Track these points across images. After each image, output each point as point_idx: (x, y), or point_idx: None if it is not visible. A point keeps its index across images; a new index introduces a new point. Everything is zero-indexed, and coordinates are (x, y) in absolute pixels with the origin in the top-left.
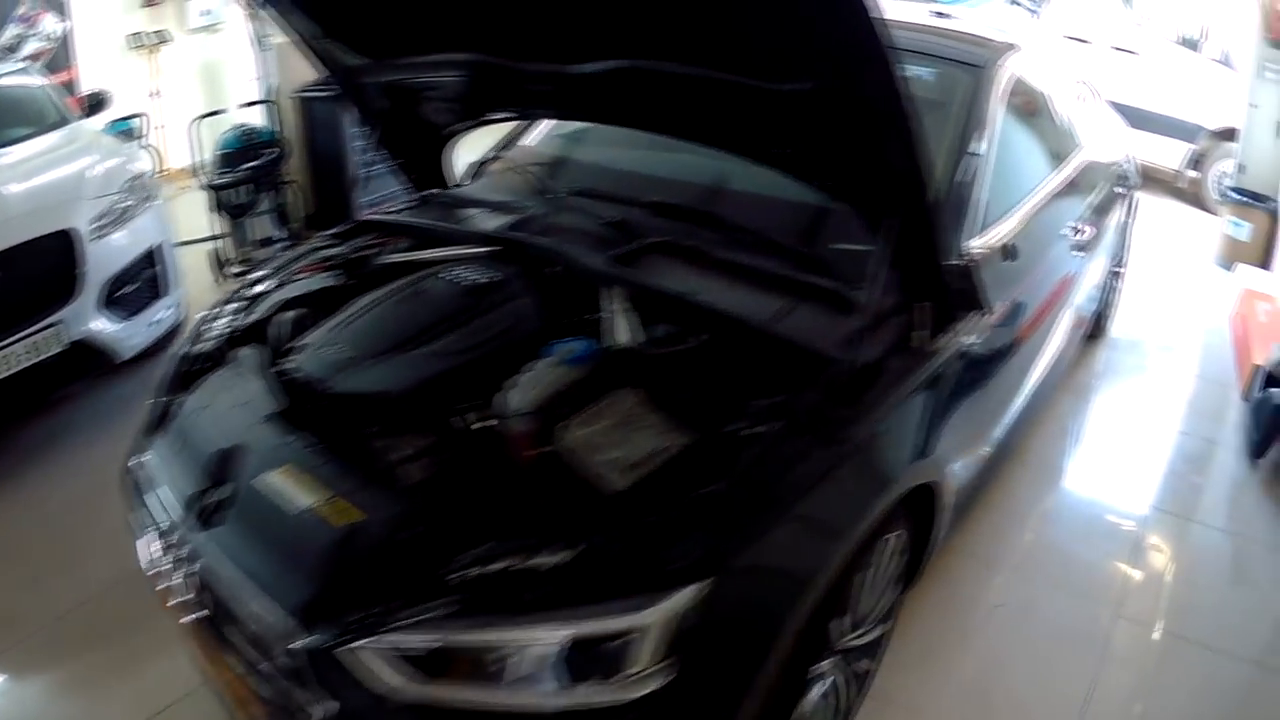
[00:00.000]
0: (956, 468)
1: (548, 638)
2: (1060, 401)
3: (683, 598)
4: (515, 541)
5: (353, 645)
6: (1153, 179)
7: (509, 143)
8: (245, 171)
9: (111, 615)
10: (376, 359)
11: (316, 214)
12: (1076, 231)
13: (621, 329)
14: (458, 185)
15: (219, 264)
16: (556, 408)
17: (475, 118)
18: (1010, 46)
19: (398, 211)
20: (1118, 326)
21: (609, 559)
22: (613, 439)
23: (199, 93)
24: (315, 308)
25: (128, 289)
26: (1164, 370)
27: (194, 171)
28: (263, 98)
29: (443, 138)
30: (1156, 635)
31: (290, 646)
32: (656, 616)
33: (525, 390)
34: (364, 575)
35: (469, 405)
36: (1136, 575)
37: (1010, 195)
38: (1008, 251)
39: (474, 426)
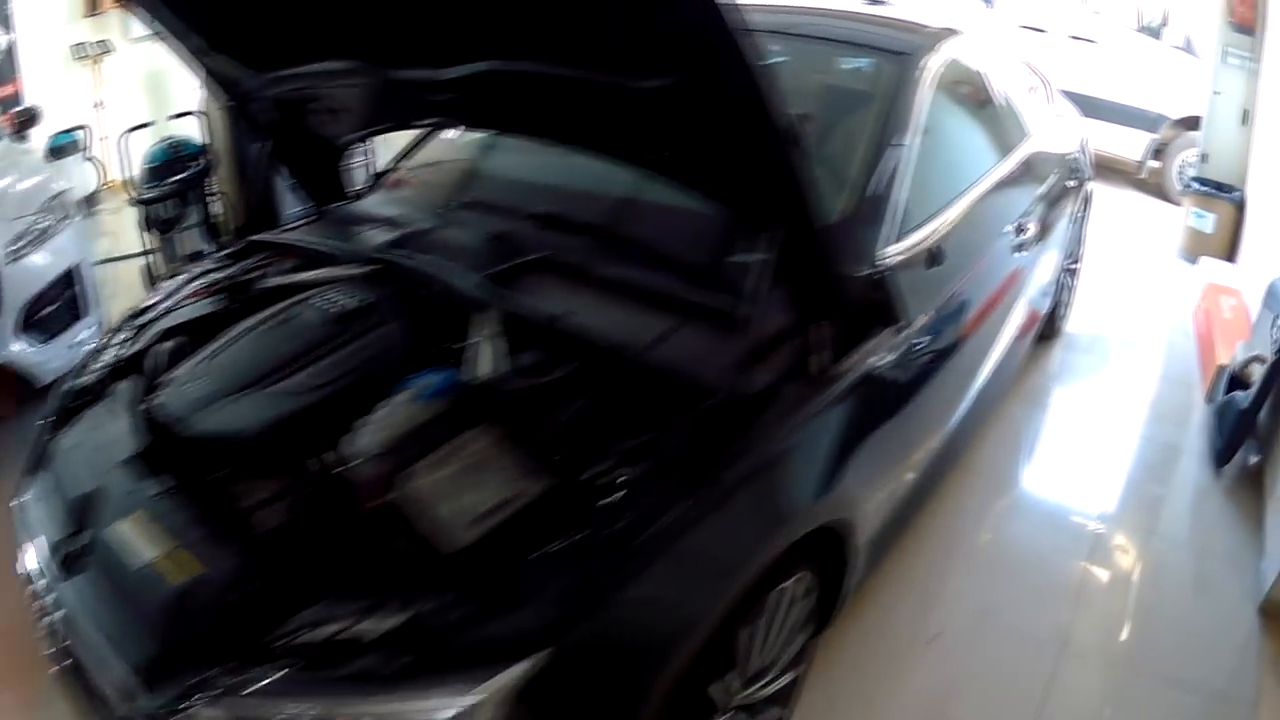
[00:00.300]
0: (874, 500)
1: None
2: (1011, 408)
3: (515, 674)
4: (349, 604)
5: (189, 710)
6: (1114, 170)
7: (408, 151)
8: (172, 185)
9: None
10: (236, 395)
11: (246, 226)
12: (1020, 230)
13: (484, 359)
14: (355, 198)
15: (151, 280)
16: (407, 450)
17: (361, 129)
18: (946, 34)
19: (291, 228)
20: (1075, 325)
21: (438, 628)
22: (459, 486)
23: (143, 103)
24: (194, 336)
25: (47, 311)
26: (1124, 371)
27: (125, 186)
28: (195, 108)
29: (337, 149)
30: (1108, 670)
31: (132, 707)
32: (484, 697)
33: (374, 431)
34: (202, 635)
35: (323, 447)
36: (1089, 601)
37: (941, 193)
38: (934, 255)
39: (323, 471)
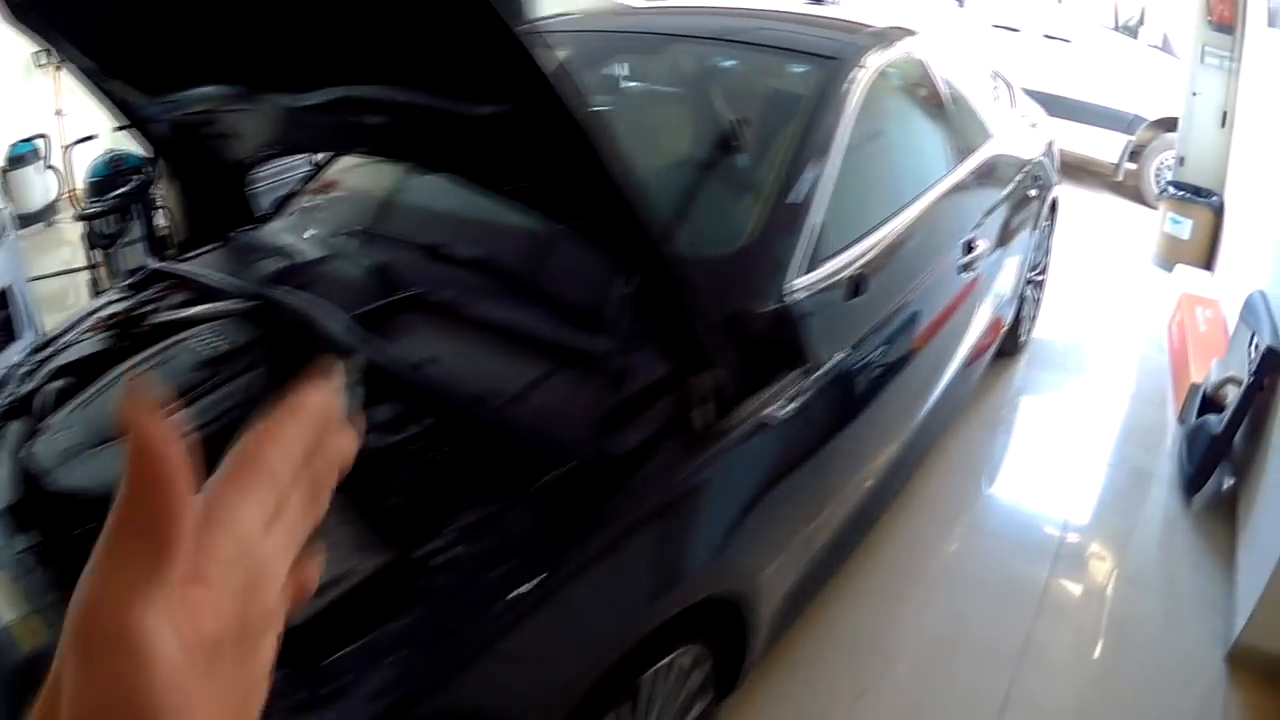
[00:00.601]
0: (780, 562)
1: None
2: (965, 433)
3: None
4: None
5: None
6: (1090, 173)
7: (314, 174)
8: (113, 200)
9: None
10: (101, 447)
11: (189, 241)
12: (969, 248)
13: None
14: (262, 222)
15: (97, 295)
16: None
17: (255, 152)
18: (891, 35)
19: (194, 256)
20: (1041, 338)
21: None
22: None
23: (104, 112)
24: (80, 376)
25: None
26: (1091, 388)
27: (70, 200)
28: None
29: (239, 172)
30: None
31: None
32: None
33: None
34: None
35: None
36: (1041, 654)
37: (871, 212)
38: (857, 284)
39: None
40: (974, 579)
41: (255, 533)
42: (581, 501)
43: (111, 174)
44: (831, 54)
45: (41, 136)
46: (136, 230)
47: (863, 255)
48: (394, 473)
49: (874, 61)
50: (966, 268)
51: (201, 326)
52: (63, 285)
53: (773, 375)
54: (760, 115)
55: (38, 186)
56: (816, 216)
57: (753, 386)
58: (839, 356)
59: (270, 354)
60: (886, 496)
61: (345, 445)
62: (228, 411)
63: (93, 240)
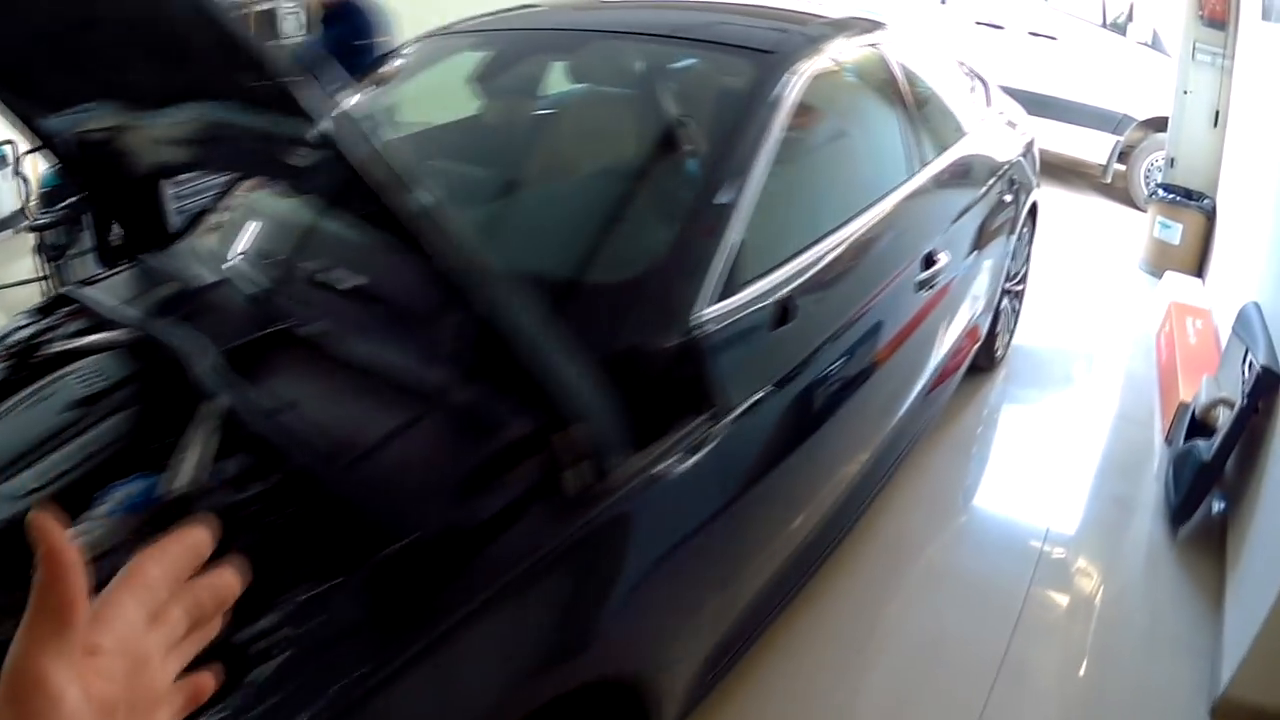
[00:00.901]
0: (689, 632)
1: None
2: (931, 459)
3: None
4: None
5: None
6: (1077, 174)
7: (226, 190)
8: (61, 211)
9: None
10: None
11: (106, 261)
12: (929, 262)
13: (187, 464)
14: (174, 239)
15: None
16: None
17: (146, 171)
18: (845, 26)
19: (101, 279)
20: (1021, 350)
21: None
22: None
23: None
24: None
25: None
26: (1073, 407)
27: (25, 210)
28: None
29: (146, 189)
30: None
31: None
32: None
33: None
34: None
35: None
36: (1012, 702)
37: (806, 227)
38: (785, 311)
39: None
40: (935, 622)
41: (137, 626)
42: (422, 579)
43: (62, 184)
44: (769, 48)
45: (8, 142)
46: (87, 241)
47: (795, 276)
48: (233, 537)
49: (820, 56)
50: (926, 284)
51: (86, 360)
52: (30, 293)
53: (673, 422)
54: (677, 119)
55: (5, 193)
56: (735, 234)
57: (648, 436)
58: (758, 395)
59: (141, 395)
60: (828, 543)
61: (227, 580)
62: (87, 460)
63: (43, 251)
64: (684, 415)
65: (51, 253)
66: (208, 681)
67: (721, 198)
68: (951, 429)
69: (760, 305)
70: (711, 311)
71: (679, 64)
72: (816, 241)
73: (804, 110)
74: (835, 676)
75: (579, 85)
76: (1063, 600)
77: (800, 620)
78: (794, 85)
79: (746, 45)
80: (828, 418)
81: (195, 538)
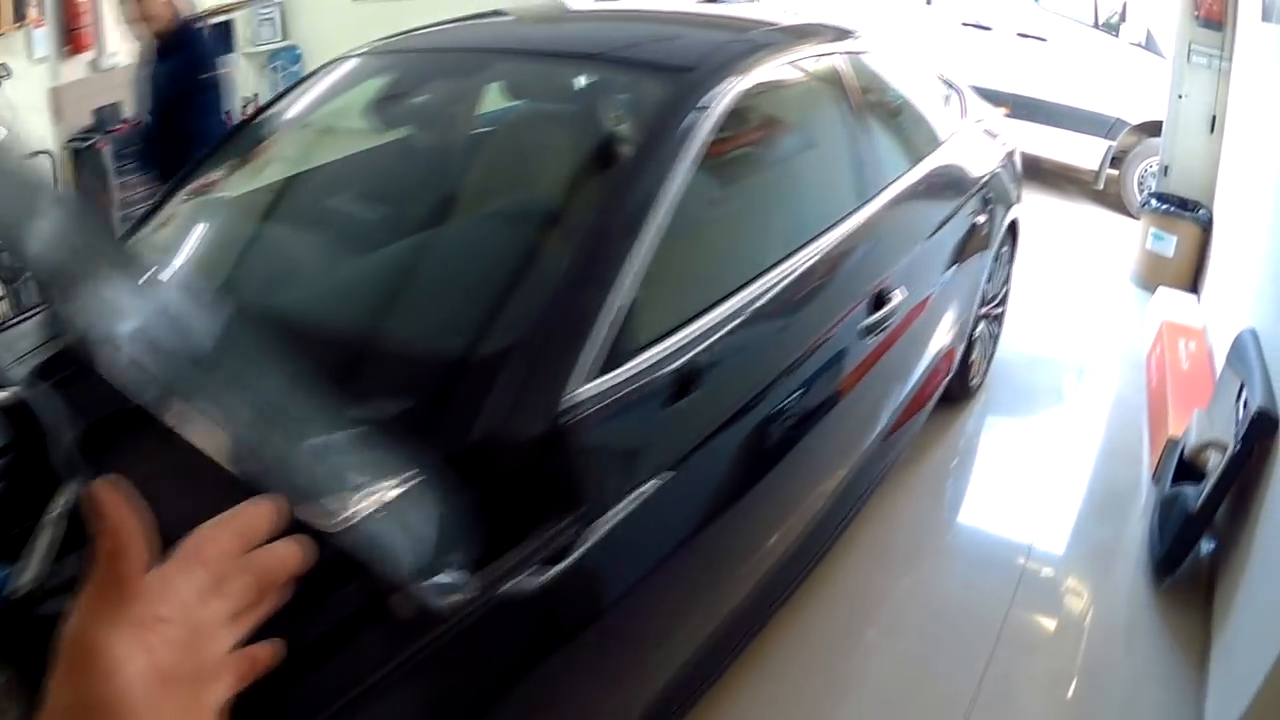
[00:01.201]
0: None
1: None
2: (891, 506)
3: None
4: None
5: None
6: (1068, 180)
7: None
8: None
9: None
10: None
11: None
12: (879, 302)
13: (35, 559)
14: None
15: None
16: None
17: None
18: (797, 35)
19: (19, 320)
20: (1001, 372)
21: None
22: None
23: (46, 128)
24: None
25: None
26: (1053, 440)
27: None
28: (40, 148)
29: None
30: None
31: None
32: None
33: None
34: None
35: None
36: None
37: (721, 275)
38: (686, 380)
39: None
40: (890, 690)
41: (195, 597)
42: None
43: None
44: (689, 64)
45: None
46: None
47: (702, 337)
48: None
49: (758, 70)
50: (874, 329)
51: None
52: None
53: (532, 527)
54: (562, 159)
55: None
56: (624, 293)
57: (501, 546)
58: (649, 483)
59: (13, 468)
60: (758, 618)
61: (288, 554)
62: None
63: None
64: (546, 518)
65: (6, 274)
66: (266, 653)
67: (606, 253)
68: (920, 467)
69: (653, 376)
70: (589, 389)
71: (577, 89)
72: (734, 292)
73: (728, 135)
74: None
75: (452, 123)
76: (1031, 666)
77: None
78: (714, 108)
79: (662, 64)
80: (749, 489)
81: (258, 510)
